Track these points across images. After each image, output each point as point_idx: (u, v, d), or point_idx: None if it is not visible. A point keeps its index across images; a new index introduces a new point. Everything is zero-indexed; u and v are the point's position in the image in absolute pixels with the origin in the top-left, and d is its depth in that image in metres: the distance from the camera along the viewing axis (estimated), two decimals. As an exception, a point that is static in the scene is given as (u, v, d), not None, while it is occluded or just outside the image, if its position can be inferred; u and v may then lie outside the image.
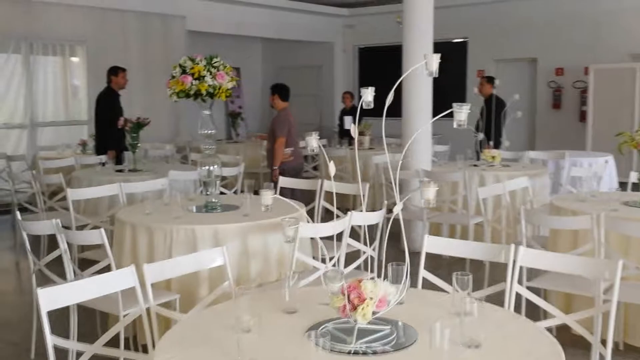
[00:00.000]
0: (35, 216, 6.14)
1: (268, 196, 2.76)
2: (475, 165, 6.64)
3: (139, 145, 6.68)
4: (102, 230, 3.41)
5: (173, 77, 4.21)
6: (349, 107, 10.78)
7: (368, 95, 2.36)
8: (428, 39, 6.42)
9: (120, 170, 6.70)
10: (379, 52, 13.44)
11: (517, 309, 3.26)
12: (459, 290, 2.35)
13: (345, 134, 9.93)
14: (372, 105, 2.37)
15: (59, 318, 3.34)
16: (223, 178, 7.01)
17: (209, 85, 4.14)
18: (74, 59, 10.09)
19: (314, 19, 13.68)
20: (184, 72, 4.16)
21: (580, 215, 3.75)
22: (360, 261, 4.03)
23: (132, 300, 2.71)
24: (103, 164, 7.11)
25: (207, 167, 4.37)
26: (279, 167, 6.74)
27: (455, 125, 2.12)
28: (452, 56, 12.88)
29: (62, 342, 2.39)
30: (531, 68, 11.95)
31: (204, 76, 4.14)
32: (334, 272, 2.12)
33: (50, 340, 2.31)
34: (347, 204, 8.59)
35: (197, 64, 4.17)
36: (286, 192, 6.07)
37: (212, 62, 4.22)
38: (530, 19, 11.56)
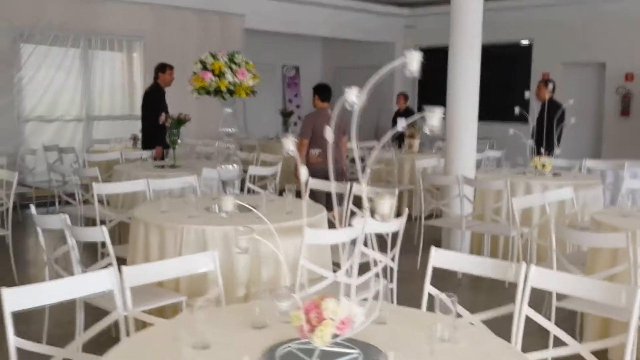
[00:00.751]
0: (74, 209, 6.21)
1: (228, 201, 2.52)
2: (523, 173, 6.28)
3: (179, 141, 6.66)
4: (104, 227, 3.35)
5: (195, 73, 4.13)
6: (403, 109, 10.52)
7: (351, 95, 2.16)
8: (476, 41, 6.12)
9: (161, 166, 6.70)
10: (439, 53, 13.04)
11: (533, 333, 3.00)
12: (444, 314, 2.13)
13: (399, 137, 9.71)
14: (355, 107, 2.17)
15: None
16: (262, 178, 6.95)
17: (229, 83, 4.04)
18: (132, 55, 10.25)
19: (374, 18, 13.46)
20: (204, 68, 4.07)
21: (613, 233, 3.42)
22: (375, 271, 3.80)
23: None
24: (144, 159, 7.13)
25: (226, 166, 4.27)
26: (311, 168, 6.60)
27: (427, 131, 1.90)
28: (517, 59, 12.41)
29: (27, 345, 2.30)
30: (599, 73, 11.34)
31: (224, 73, 4.04)
32: (285, 290, 1.95)
33: (13, 341, 2.23)
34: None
35: (218, 60, 4.07)
36: (320, 196, 5.93)
37: (234, 58, 4.11)
38: (599, 21, 10.97)
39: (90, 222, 5.87)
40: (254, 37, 12.65)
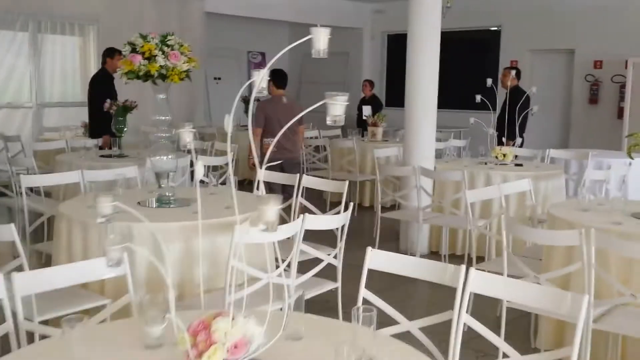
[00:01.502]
0: (11, 201, 5.87)
1: (105, 204, 2.17)
2: (484, 164, 6.06)
3: (125, 129, 6.33)
4: (12, 225, 3.03)
5: (124, 55, 3.81)
6: (369, 96, 10.25)
7: (262, 80, 1.89)
8: (435, 27, 5.84)
9: (108, 156, 6.36)
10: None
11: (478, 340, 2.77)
12: (362, 328, 1.87)
13: (363, 125, 9.45)
14: (264, 93, 1.90)
15: None
16: (215, 168, 6.65)
17: (161, 66, 3.73)
18: (86, 40, 9.82)
19: (342, 3, 13.15)
20: (133, 50, 3.75)
21: (567, 229, 3.20)
22: (316, 270, 3.56)
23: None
24: (88, 148, 6.76)
25: (160, 157, 3.96)
26: (262, 159, 6.33)
27: (328, 122, 1.63)
28: (484, 45, 12.21)
29: None
30: (568, 60, 11.18)
31: (155, 56, 3.72)
32: (156, 311, 1.67)
33: None
34: (352, 198, 8.12)
35: (149, 41, 3.75)
36: (277, 188, 5.63)
37: (166, 40, 3.79)
38: (568, 8, 10.77)
39: (34, 215, 5.55)
40: (217, 21, 12.27)
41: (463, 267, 2.44)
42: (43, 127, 9.13)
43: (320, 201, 8.10)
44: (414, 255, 5.45)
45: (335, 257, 3.75)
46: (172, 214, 3.75)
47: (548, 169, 6.01)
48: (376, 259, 2.68)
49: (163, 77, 3.76)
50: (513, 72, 6.48)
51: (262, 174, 4.43)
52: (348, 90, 14.15)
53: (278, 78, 6.38)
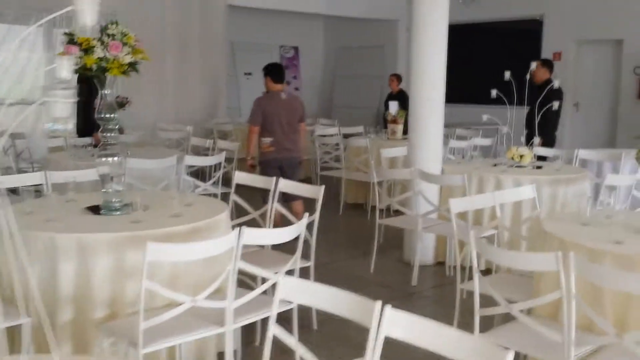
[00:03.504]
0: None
1: None
2: (495, 165, 5.48)
3: (117, 127, 6.00)
4: None
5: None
6: (396, 92, 9.71)
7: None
8: (441, 14, 5.28)
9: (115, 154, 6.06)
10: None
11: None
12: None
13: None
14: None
15: None
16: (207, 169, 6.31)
17: (99, 59, 3.35)
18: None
19: (376, -5, 12.60)
20: (71, 41, 3.38)
21: (543, 252, 2.65)
22: (259, 292, 3.10)
23: None
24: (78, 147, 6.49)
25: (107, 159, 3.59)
26: (261, 159, 5.93)
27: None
28: (526, 36, 11.46)
29: None
30: (616, 51, 10.33)
31: (93, 47, 3.35)
32: None
33: None
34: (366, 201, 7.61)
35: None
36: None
37: (106, 29, 3.41)
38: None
39: None
40: (245, 15, 11.95)
41: (378, 304, 1.96)
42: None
43: (336, 202, 7.65)
44: (414, 265, 4.96)
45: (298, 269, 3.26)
46: (107, 222, 3.37)
47: (569, 172, 5.37)
48: (288, 285, 2.21)
49: (103, 70, 3.38)
50: (533, 65, 5.83)
51: (238, 178, 3.91)
52: (384, 84, 13.74)
53: (274, 72, 5.96)
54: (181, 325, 2.95)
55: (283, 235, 3.08)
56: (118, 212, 3.53)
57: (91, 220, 3.41)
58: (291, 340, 2.21)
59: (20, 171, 7.18)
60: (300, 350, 2.15)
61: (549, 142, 6.84)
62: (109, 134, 3.60)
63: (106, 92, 3.56)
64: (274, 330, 2.20)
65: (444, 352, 1.80)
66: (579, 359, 2.60)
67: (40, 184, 4.38)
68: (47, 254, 3.10)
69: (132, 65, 3.49)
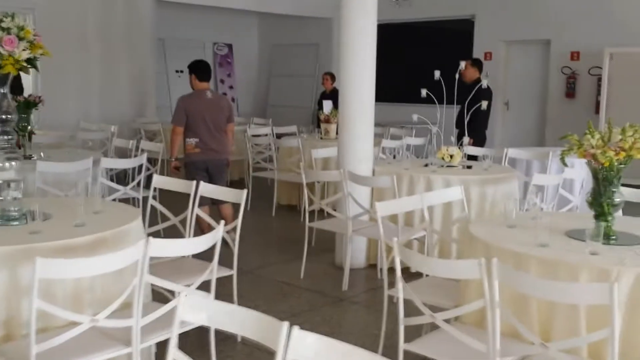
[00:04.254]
0: None
1: None
2: (426, 166, 5.40)
3: (29, 127, 5.64)
4: None
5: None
6: (330, 90, 9.56)
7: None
8: (368, 13, 5.16)
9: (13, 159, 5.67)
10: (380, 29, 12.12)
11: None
12: None
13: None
14: None
15: None
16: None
17: (-9, 55, 3.06)
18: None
19: (310, -8, 12.45)
20: (-41, 35, 3.08)
21: (467, 260, 2.52)
22: (168, 307, 2.85)
23: None
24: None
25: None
26: (187, 160, 5.68)
27: None
28: (456, 36, 11.53)
29: None
30: (544, 51, 10.49)
31: (-16, 42, 3.05)
32: None
33: None
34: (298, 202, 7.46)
35: (-23, 24, 3.08)
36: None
37: (1, 22, 3.12)
38: (544, -5, 10.11)
39: None
40: (176, 12, 11.60)
41: (285, 325, 1.78)
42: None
43: (268, 204, 7.45)
44: (345, 270, 4.81)
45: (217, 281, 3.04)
46: (1, 234, 3.07)
47: (498, 171, 5.33)
48: (188, 305, 2.00)
49: (-4, 67, 3.09)
50: (462, 64, 5.78)
51: (157, 181, 3.60)
52: (319, 83, 13.62)
53: (199, 70, 5.70)
54: (83, 345, 2.69)
55: (195, 245, 2.86)
56: (16, 222, 3.23)
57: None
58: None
59: None
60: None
61: (479, 141, 6.83)
62: (5, 137, 3.28)
63: (3, 91, 3.25)
64: (175, 354, 1.99)
65: None
66: (504, 370, 2.48)
67: None
68: None
69: (30, 62, 3.20)
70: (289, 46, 13.61)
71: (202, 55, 13.36)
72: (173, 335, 1.97)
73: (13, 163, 3.29)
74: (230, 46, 13.77)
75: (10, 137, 3.32)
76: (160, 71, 11.98)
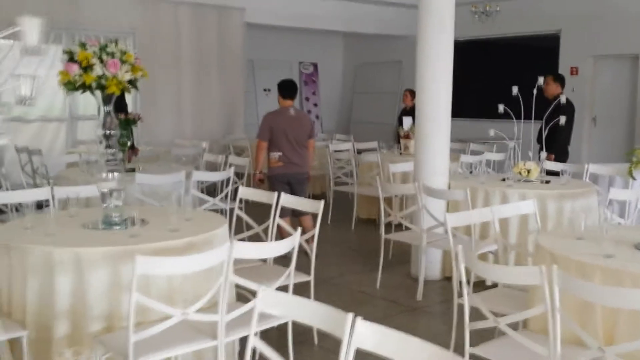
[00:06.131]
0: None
1: None
2: (503, 180, 5.46)
3: (129, 143, 6.12)
4: None
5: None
6: (410, 107, 9.70)
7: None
8: (447, 28, 5.33)
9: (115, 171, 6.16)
10: (468, 46, 12.13)
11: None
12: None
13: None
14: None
15: None
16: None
17: (98, 76, 3.43)
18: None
19: (393, 10, 12.66)
20: (71, 59, 3.48)
21: (529, 267, 2.64)
22: (246, 308, 3.09)
23: None
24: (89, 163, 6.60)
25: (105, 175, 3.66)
26: (270, 173, 5.99)
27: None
28: (541, 51, 11.41)
29: None
30: (632, 66, 10.23)
31: (92, 65, 3.44)
32: None
33: None
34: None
35: (87, 49, 3.47)
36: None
37: (106, 47, 3.50)
38: (633, 8, 9.86)
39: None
40: (264, 33, 12.09)
41: (349, 316, 1.98)
42: (77, 140, 9.15)
43: (348, 217, 7.67)
44: (421, 282, 4.95)
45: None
46: (105, 237, 3.43)
47: (576, 186, 5.33)
48: (267, 299, 2.23)
49: (102, 87, 3.47)
50: (541, 80, 5.82)
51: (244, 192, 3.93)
52: (402, 100, 13.76)
53: (284, 89, 6.03)
54: (174, 338, 2.99)
55: (275, 248, 3.11)
56: (117, 227, 3.59)
57: (89, 235, 3.47)
58: (272, 355, 2.23)
59: (36, 187, 7.33)
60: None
61: (560, 156, 6.79)
62: (110, 150, 3.66)
63: (107, 109, 3.62)
64: (255, 343, 2.23)
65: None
66: (566, 374, 2.58)
67: (47, 200, 4.48)
68: (45, 268, 3.16)
69: (132, 83, 3.56)
70: (373, 64, 13.86)
71: (288, 74, 13.83)
72: (253, 324, 2.21)
73: (115, 174, 3.65)
74: (315, 65, 14.16)
75: (113, 150, 3.69)
76: (249, 90, 12.48)
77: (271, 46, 13.01)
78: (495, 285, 4.13)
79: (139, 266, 2.71)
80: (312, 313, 2.14)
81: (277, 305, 2.24)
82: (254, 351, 2.24)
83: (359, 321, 1.96)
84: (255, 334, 2.26)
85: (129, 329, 2.77)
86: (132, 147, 6.48)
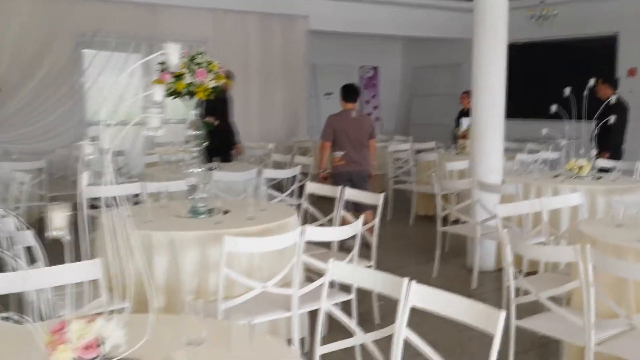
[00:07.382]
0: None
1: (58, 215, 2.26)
2: (555, 177, 5.75)
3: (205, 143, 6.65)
4: (29, 232, 3.35)
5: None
6: (467, 108, 10.00)
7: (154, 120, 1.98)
8: (501, 32, 5.67)
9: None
10: (523, 49, 12.33)
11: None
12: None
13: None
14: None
15: None
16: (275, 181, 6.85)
17: (188, 84, 3.96)
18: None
19: (452, 14, 12.95)
20: (164, 69, 4.01)
21: (566, 246, 3.00)
22: (321, 282, 3.55)
23: None
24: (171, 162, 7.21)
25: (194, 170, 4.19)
26: (333, 171, 6.44)
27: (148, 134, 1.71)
28: (599, 53, 11.48)
29: None
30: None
31: (183, 74, 3.97)
32: None
33: None
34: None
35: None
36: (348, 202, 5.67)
37: (194, 59, 4.02)
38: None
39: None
40: (325, 39, 12.57)
41: (405, 280, 2.41)
42: (154, 142, 9.82)
43: (407, 214, 8.06)
44: (475, 271, 5.30)
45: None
46: (194, 224, 3.95)
47: (626, 182, 5.58)
48: (337, 270, 2.68)
49: (191, 94, 3.99)
50: (592, 81, 6.07)
51: (311, 187, 4.48)
52: (459, 101, 13.98)
53: (346, 92, 6.48)
54: (254, 308, 3.47)
55: (340, 232, 3.56)
56: (203, 216, 4.11)
57: (180, 222, 4.00)
58: (341, 315, 2.67)
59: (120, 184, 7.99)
60: (358, 333, 2.59)
61: (614, 155, 7.00)
62: (195, 149, 4.18)
63: (195, 112, 4.15)
64: (327, 305, 2.68)
65: (455, 316, 2.23)
66: (600, 341, 2.91)
67: (138, 194, 5.06)
68: (144, 250, 3.69)
69: (215, 89, 4.07)
70: (431, 67, 14.16)
71: (349, 78, 14.29)
72: (324, 289, 2.65)
73: (199, 170, 4.17)
74: (375, 68, 14.57)
75: (198, 149, 4.21)
76: (312, 94, 12.98)
77: (333, 51, 13.47)
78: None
79: (226, 245, 3.21)
80: (374, 279, 2.57)
81: (345, 274, 2.68)
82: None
83: (414, 284, 2.38)
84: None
85: (219, 297, 3.26)
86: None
